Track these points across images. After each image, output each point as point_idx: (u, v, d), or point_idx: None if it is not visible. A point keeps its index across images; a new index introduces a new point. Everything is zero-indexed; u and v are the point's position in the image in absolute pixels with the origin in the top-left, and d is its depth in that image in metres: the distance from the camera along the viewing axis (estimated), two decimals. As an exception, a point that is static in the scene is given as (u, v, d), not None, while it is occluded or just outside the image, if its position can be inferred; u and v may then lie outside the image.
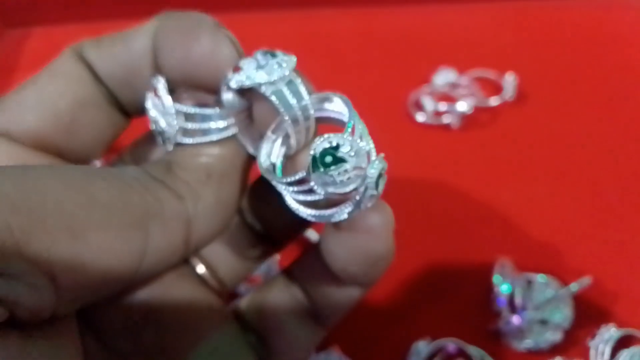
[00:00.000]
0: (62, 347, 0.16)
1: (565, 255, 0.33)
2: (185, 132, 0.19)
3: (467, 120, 0.39)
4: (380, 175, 0.17)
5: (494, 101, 0.40)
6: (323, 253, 0.21)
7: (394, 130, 0.40)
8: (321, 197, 0.17)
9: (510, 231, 0.35)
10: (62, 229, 0.15)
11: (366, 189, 0.17)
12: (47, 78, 0.20)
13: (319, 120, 0.19)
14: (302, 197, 0.18)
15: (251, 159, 0.21)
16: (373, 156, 0.17)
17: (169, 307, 0.22)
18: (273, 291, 0.24)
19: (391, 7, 0.46)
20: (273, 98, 0.18)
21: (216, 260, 0.24)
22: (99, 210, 0.16)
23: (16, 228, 0.14)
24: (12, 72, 0.45)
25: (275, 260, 0.33)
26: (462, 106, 0.39)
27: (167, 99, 0.19)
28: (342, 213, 0.18)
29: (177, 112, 0.19)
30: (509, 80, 0.40)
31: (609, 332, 0.29)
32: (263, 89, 0.18)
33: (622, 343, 0.29)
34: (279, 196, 0.19)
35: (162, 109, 0.19)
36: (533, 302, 0.31)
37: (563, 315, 0.30)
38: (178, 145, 0.19)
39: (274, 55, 0.18)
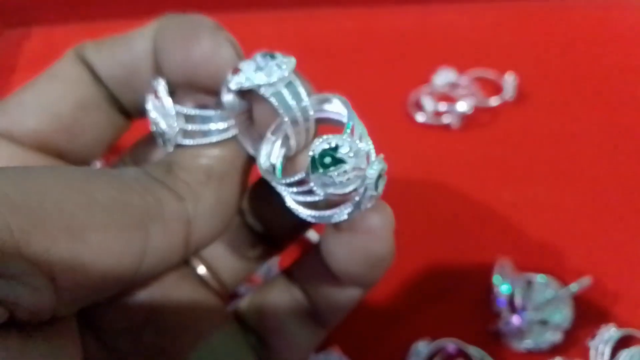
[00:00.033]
0: (62, 348, 0.16)
1: (565, 255, 0.33)
2: (186, 134, 0.19)
3: (467, 120, 0.39)
4: (379, 176, 0.17)
5: (494, 101, 0.40)
6: (323, 254, 0.21)
7: (393, 130, 0.40)
8: (321, 197, 0.17)
9: (510, 231, 0.35)
10: (62, 230, 0.15)
11: (366, 189, 0.17)
12: (48, 80, 0.20)
13: (318, 121, 0.19)
14: (301, 198, 0.18)
15: (251, 160, 0.21)
16: (372, 157, 0.18)
17: (169, 308, 0.22)
18: (273, 292, 0.24)
19: (391, 7, 0.46)
20: (272, 99, 0.18)
21: (217, 261, 0.24)
22: (99, 211, 0.16)
23: (16, 228, 0.14)
24: (11, 72, 0.44)
25: (276, 261, 0.33)
26: (462, 106, 0.39)
27: (168, 101, 0.19)
28: (342, 214, 0.18)
29: (178, 114, 0.19)
30: (509, 80, 0.40)
31: (609, 332, 0.29)
32: (262, 90, 0.18)
33: (622, 343, 0.29)
34: (278, 197, 0.19)
35: (162, 110, 0.19)
36: (533, 302, 0.31)
37: (563, 315, 0.30)
38: (178, 146, 0.19)
39: (273, 57, 0.19)
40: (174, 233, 0.18)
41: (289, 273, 0.24)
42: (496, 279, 0.32)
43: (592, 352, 0.29)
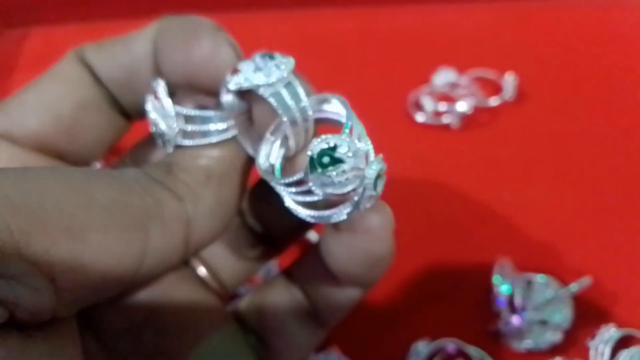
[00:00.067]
0: (62, 348, 0.16)
1: (565, 255, 0.33)
2: (185, 134, 0.19)
3: (467, 120, 0.39)
4: (378, 176, 0.17)
5: (493, 101, 0.40)
6: (323, 254, 0.21)
7: (393, 130, 0.40)
8: (320, 197, 0.17)
9: (510, 231, 0.35)
10: (62, 230, 0.15)
11: (364, 189, 0.17)
12: (49, 81, 0.21)
13: (317, 121, 0.20)
14: (300, 198, 0.18)
15: (251, 161, 0.21)
16: (371, 157, 0.18)
17: (169, 309, 0.22)
18: (273, 292, 0.24)
19: (391, 7, 0.46)
20: (271, 100, 0.18)
21: (217, 262, 0.24)
22: (98, 212, 0.16)
23: (16, 229, 0.14)
24: (11, 72, 0.44)
25: (275, 261, 0.33)
26: (462, 106, 0.39)
27: (167, 102, 0.19)
28: (341, 214, 0.18)
29: (177, 115, 0.19)
30: (509, 80, 0.40)
31: (609, 332, 0.29)
32: (261, 90, 0.18)
33: (622, 343, 0.29)
34: (278, 197, 0.19)
35: (162, 111, 0.19)
36: (533, 302, 0.31)
37: (563, 315, 0.30)
38: (178, 147, 0.19)
39: (272, 58, 0.19)
40: (174, 234, 0.18)
41: (288, 273, 0.24)
42: (496, 279, 0.32)
43: (592, 352, 0.29)
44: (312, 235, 0.33)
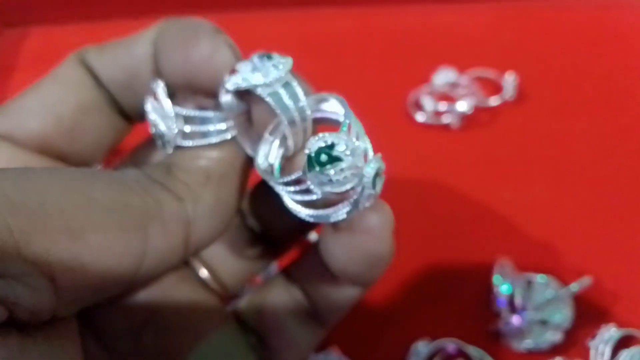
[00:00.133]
0: (62, 348, 0.17)
1: (565, 255, 0.33)
2: (185, 135, 0.19)
3: (467, 120, 0.39)
4: (377, 175, 0.17)
5: (494, 101, 0.40)
6: (322, 254, 0.21)
7: (393, 130, 0.40)
8: (318, 196, 0.17)
9: (510, 231, 0.35)
10: (61, 230, 0.15)
11: (363, 188, 0.17)
12: (50, 83, 0.21)
13: (316, 121, 0.19)
14: (299, 197, 0.18)
15: (251, 162, 0.21)
16: (370, 155, 0.17)
17: (169, 309, 0.22)
18: (272, 292, 0.24)
19: (391, 6, 0.46)
20: (269, 100, 0.18)
21: (218, 263, 0.24)
22: (98, 212, 0.16)
23: (16, 229, 0.14)
24: (11, 72, 0.44)
25: (274, 261, 0.33)
26: (462, 106, 0.39)
27: (167, 102, 0.19)
28: (341, 213, 0.18)
29: (177, 115, 0.19)
30: (509, 80, 0.40)
31: (609, 332, 0.29)
32: (259, 90, 0.18)
33: (623, 343, 0.29)
34: (277, 198, 0.19)
35: (161, 112, 0.19)
36: (533, 302, 0.31)
37: (563, 315, 0.30)
38: (178, 148, 0.19)
39: (270, 58, 0.19)
40: (174, 234, 0.18)
41: (287, 272, 0.24)
42: (496, 279, 0.32)
43: (592, 352, 0.29)
44: (312, 235, 0.33)
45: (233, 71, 0.19)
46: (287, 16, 0.46)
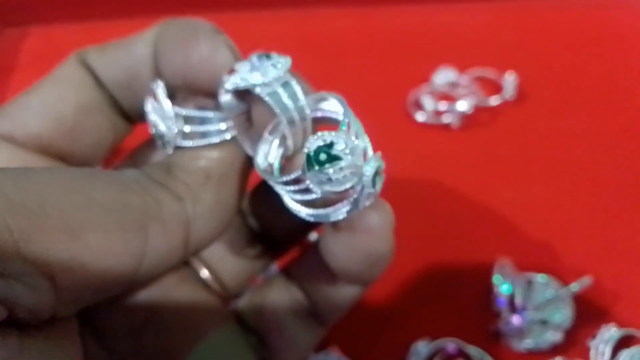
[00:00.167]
0: (61, 348, 0.17)
1: (565, 255, 0.33)
2: (185, 135, 0.19)
3: (467, 119, 0.39)
4: (377, 173, 0.17)
5: (494, 100, 0.40)
6: (323, 253, 0.21)
7: (393, 129, 0.40)
8: (318, 196, 0.17)
9: (510, 231, 0.35)
10: (61, 230, 0.15)
11: (363, 187, 0.17)
12: (51, 83, 0.21)
13: (316, 120, 0.19)
14: (299, 197, 0.18)
15: (251, 162, 0.21)
16: (370, 154, 0.17)
17: (169, 309, 0.22)
18: (272, 291, 0.24)
19: (391, 6, 0.46)
20: (268, 99, 0.18)
21: (219, 264, 0.24)
22: (98, 212, 0.16)
23: (16, 229, 0.14)
24: (10, 72, 0.44)
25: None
26: (462, 106, 0.39)
27: (166, 103, 0.19)
28: (341, 212, 0.18)
29: (177, 116, 0.19)
30: (509, 80, 0.40)
31: (609, 332, 0.29)
32: (258, 90, 0.18)
33: (623, 343, 0.29)
34: (278, 197, 0.19)
35: (161, 112, 0.19)
36: (533, 302, 0.31)
37: (563, 315, 0.30)
38: (178, 148, 0.19)
39: (269, 57, 0.19)
40: (173, 234, 0.18)
41: (287, 272, 0.24)
42: (496, 278, 0.32)
43: (592, 352, 0.29)
44: (312, 235, 0.33)
45: (232, 71, 0.19)
46: (287, 16, 0.46)
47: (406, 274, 0.33)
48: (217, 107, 0.19)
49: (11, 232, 0.14)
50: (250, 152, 0.20)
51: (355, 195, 0.17)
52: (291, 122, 0.18)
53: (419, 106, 0.40)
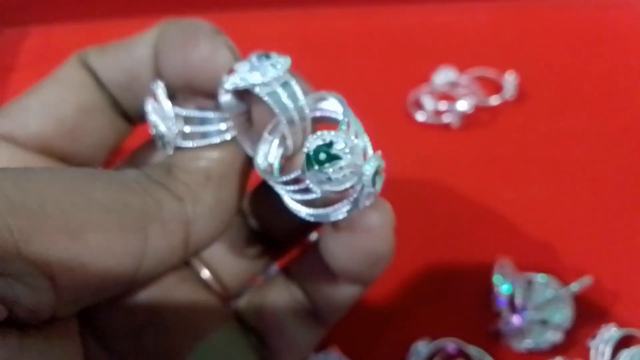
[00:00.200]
0: (62, 347, 0.17)
1: (565, 255, 0.33)
2: (185, 136, 0.19)
3: (467, 119, 0.39)
4: (377, 173, 0.17)
5: (494, 100, 0.40)
6: (323, 253, 0.21)
7: (393, 129, 0.40)
8: (318, 195, 0.17)
9: (510, 231, 0.35)
10: (61, 230, 0.15)
11: (363, 186, 0.17)
12: (51, 84, 0.21)
13: (315, 120, 0.19)
14: (299, 197, 0.18)
15: (251, 162, 0.21)
16: (369, 154, 0.17)
17: (169, 309, 0.22)
18: (272, 291, 0.24)
19: (391, 5, 0.46)
20: (268, 99, 0.18)
21: (220, 264, 0.24)
22: (98, 212, 0.16)
23: (16, 229, 0.14)
24: (10, 72, 0.44)
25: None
26: (462, 105, 0.39)
27: (167, 103, 0.19)
28: (341, 212, 0.18)
29: (177, 116, 0.19)
30: (510, 80, 0.40)
31: (610, 332, 0.29)
32: (257, 90, 0.18)
33: (623, 343, 0.29)
34: (277, 197, 0.19)
35: (161, 113, 0.19)
36: (533, 302, 0.31)
37: (563, 315, 0.30)
38: (178, 148, 0.19)
39: (268, 57, 0.19)
40: (173, 234, 0.18)
41: (287, 271, 0.24)
42: (496, 278, 0.32)
43: (592, 352, 0.29)
44: (312, 235, 0.33)
45: (231, 71, 0.19)
46: (287, 16, 0.46)
47: (406, 274, 0.33)
48: (218, 107, 0.19)
49: (11, 232, 0.14)
50: (250, 152, 0.20)
51: (355, 195, 0.17)
52: (291, 122, 0.18)
53: (419, 106, 0.40)
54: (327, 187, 0.17)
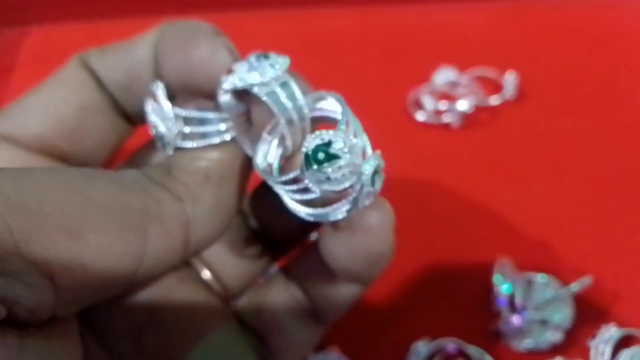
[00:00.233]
0: (61, 347, 0.17)
1: (565, 255, 0.33)
2: (185, 136, 0.19)
3: (468, 119, 0.39)
4: (376, 172, 0.17)
5: (494, 100, 0.40)
6: (323, 253, 0.21)
7: (393, 129, 0.40)
8: (317, 195, 0.17)
9: (510, 231, 0.35)
10: (60, 230, 0.15)
11: (362, 185, 0.17)
12: (52, 85, 0.21)
13: (315, 120, 0.19)
14: (298, 197, 0.18)
15: (251, 162, 0.21)
16: (369, 153, 0.17)
17: (169, 310, 0.22)
18: (272, 290, 0.24)
19: (391, 5, 0.46)
20: (266, 99, 0.18)
21: (220, 265, 0.24)
22: (97, 212, 0.16)
23: (15, 228, 0.14)
24: (10, 71, 0.44)
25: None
26: (462, 105, 0.39)
27: (166, 104, 0.19)
28: (341, 211, 0.18)
29: (177, 117, 0.19)
30: (510, 79, 0.40)
31: (610, 332, 0.29)
32: (256, 90, 0.18)
33: (623, 343, 0.29)
34: (277, 197, 0.19)
35: (161, 113, 0.19)
36: (533, 302, 0.31)
37: (563, 315, 0.30)
38: (178, 149, 0.19)
39: (267, 57, 0.19)
40: (173, 234, 0.18)
41: (287, 271, 0.24)
42: (496, 278, 0.32)
43: (592, 352, 0.29)
44: (313, 235, 0.33)
45: (230, 71, 0.19)
46: (287, 16, 0.46)
47: (406, 273, 0.33)
48: (217, 108, 0.19)
49: (11, 232, 0.14)
50: (250, 152, 0.20)
51: (354, 194, 0.17)
52: (290, 121, 0.18)
53: (419, 106, 0.40)
54: (326, 187, 0.17)
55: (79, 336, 0.18)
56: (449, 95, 0.40)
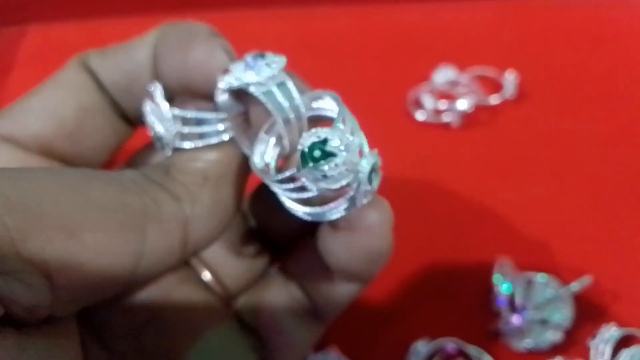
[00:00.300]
0: (61, 347, 0.17)
1: (565, 255, 0.33)
2: (183, 137, 0.19)
3: (467, 118, 0.39)
4: (373, 170, 0.17)
5: (494, 99, 0.40)
6: (321, 251, 0.21)
7: (393, 128, 0.40)
8: (314, 193, 0.17)
9: (510, 231, 0.35)
10: (58, 229, 0.15)
11: (359, 184, 0.17)
12: (52, 86, 0.21)
13: (312, 119, 0.19)
14: (295, 195, 0.18)
15: (249, 162, 0.21)
16: (366, 151, 0.17)
17: (169, 309, 0.22)
18: (270, 289, 0.24)
19: (391, 4, 0.46)
20: (263, 98, 0.18)
21: (220, 265, 0.24)
22: (95, 211, 0.16)
23: (13, 227, 0.14)
24: (9, 71, 0.44)
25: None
26: (462, 104, 0.39)
27: (164, 105, 0.19)
28: (338, 210, 0.18)
29: (175, 117, 0.19)
30: (510, 79, 0.40)
31: (610, 332, 0.29)
32: (252, 89, 0.18)
33: (623, 343, 0.29)
34: (274, 196, 0.19)
35: (159, 114, 0.19)
36: (533, 301, 0.31)
37: (563, 315, 0.30)
38: (176, 150, 0.19)
39: (263, 57, 0.19)
40: (171, 234, 0.18)
41: (285, 270, 0.24)
42: (496, 278, 0.32)
43: (592, 352, 0.29)
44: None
45: (226, 71, 0.19)
46: (286, 15, 0.46)
47: (406, 273, 0.33)
48: (215, 109, 0.19)
49: (8, 230, 0.14)
50: (248, 152, 0.20)
51: (352, 193, 0.17)
52: (287, 121, 0.18)
53: (418, 105, 0.40)
54: (323, 185, 0.17)
55: (78, 336, 0.18)
56: (448, 94, 0.40)
